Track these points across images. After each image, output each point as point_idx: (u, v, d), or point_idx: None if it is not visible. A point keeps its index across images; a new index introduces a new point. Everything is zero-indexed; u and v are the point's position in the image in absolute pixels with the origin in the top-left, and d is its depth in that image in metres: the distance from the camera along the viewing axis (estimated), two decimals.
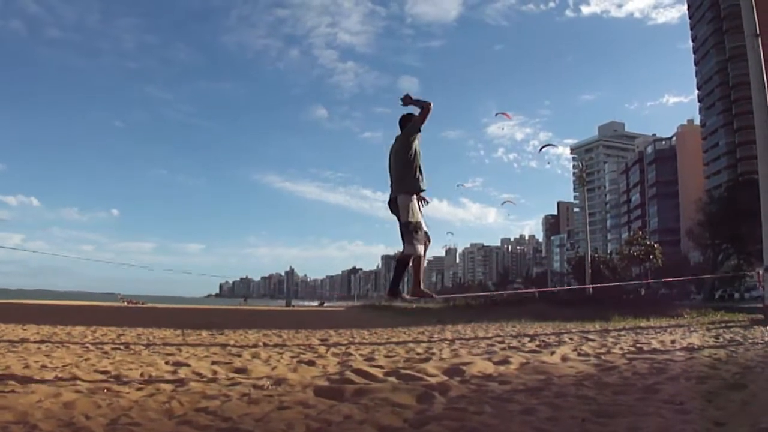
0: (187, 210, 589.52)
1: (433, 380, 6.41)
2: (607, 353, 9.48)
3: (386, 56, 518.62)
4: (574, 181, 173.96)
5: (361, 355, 9.95)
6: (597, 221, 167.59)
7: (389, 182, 7.97)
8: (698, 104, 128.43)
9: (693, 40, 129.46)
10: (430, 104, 7.49)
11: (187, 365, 8.01)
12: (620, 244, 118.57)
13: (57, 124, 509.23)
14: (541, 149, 78.91)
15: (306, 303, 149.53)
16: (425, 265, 7.91)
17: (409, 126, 7.72)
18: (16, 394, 5.41)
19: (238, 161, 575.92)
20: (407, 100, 7.54)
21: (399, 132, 7.91)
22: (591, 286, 45.57)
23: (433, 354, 9.83)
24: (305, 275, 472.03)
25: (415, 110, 7.68)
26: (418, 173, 7.70)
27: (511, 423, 4.44)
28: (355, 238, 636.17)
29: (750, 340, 11.53)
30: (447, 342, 13.17)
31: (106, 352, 10.19)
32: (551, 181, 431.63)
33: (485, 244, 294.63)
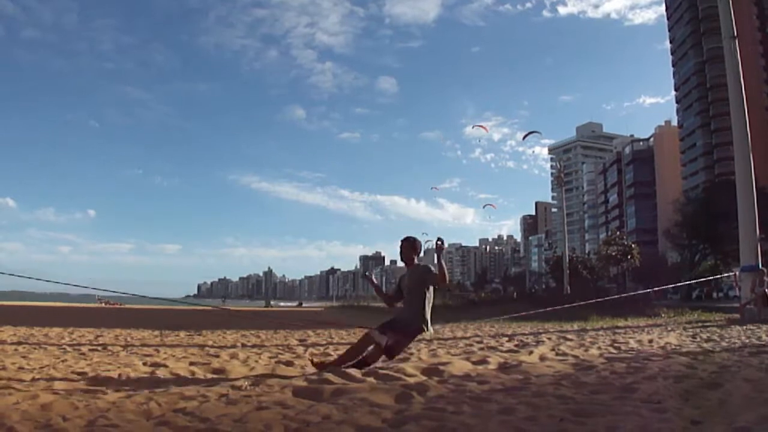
0: (164, 210, 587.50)
1: (411, 380, 6.41)
2: (585, 353, 9.53)
3: (365, 57, 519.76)
4: (552, 182, 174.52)
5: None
6: (575, 221, 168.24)
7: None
8: (675, 105, 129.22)
9: (671, 42, 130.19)
10: (445, 279, 7.55)
11: (165, 366, 7.98)
12: (598, 244, 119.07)
13: (33, 125, 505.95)
14: (525, 137, 78.80)
15: (285, 303, 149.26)
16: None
17: (430, 277, 7.71)
18: None
19: (215, 162, 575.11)
20: (438, 248, 7.53)
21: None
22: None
23: (411, 354, 9.83)
24: (283, 276, 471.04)
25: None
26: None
27: (490, 422, 4.44)
28: (332, 238, 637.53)
29: (726, 340, 11.64)
30: (425, 342, 13.17)
31: (83, 354, 10.13)
32: (529, 181, 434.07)
33: (463, 244, 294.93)
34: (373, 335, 7.42)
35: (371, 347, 7.49)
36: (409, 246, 7.99)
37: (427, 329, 7.66)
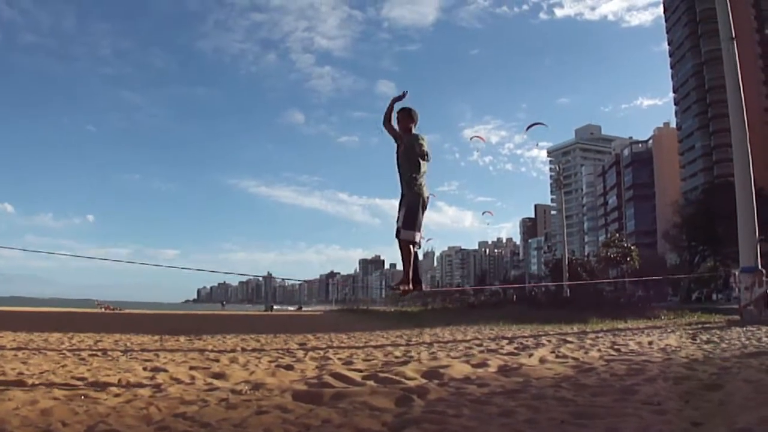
0: (163, 215, 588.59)
1: (411, 383, 6.41)
2: (585, 355, 9.52)
3: (363, 60, 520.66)
4: (551, 184, 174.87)
5: (339, 358, 9.93)
6: (574, 224, 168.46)
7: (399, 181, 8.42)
8: (674, 107, 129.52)
9: (669, 44, 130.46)
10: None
11: (165, 371, 7.96)
12: (597, 246, 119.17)
13: (31, 129, 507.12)
14: (528, 128, 78.77)
15: (285, 307, 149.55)
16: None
17: (417, 149, 8.06)
18: None
19: (214, 166, 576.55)
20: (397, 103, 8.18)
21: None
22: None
23: (411, 357, 9.83)
24: (283, 280, 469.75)
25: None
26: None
27: (490, 425, 4.44)
28: (331, 242, 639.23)
29: (726, 341, 11.63)
30: (425, 345, 13.18)
31: (83, 359, 10.10)
32: (528, 183, 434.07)
33: (463, 247, 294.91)
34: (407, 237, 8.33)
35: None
36: (407, 115, 8.33)
37: (421, 192, 8.21)
